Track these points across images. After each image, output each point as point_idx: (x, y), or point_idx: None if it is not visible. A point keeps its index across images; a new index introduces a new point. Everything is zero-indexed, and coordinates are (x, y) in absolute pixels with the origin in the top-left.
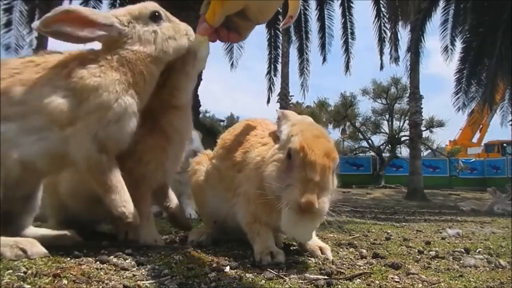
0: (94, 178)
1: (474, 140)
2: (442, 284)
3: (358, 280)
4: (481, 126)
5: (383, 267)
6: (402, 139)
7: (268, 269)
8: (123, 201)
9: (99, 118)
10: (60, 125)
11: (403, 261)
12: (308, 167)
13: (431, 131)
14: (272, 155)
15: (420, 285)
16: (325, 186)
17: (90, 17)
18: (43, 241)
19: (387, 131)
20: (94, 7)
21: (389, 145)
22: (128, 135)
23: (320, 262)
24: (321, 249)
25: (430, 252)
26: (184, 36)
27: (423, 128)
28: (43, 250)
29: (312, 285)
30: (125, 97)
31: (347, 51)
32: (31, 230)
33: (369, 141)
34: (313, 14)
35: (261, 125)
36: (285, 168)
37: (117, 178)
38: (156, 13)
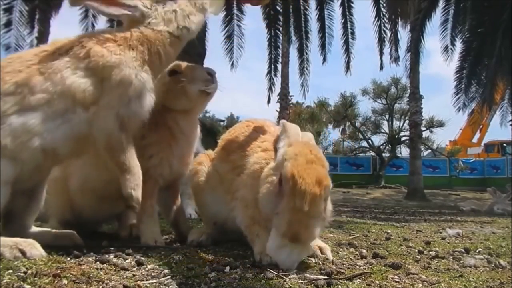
0: (113, 157)
1: (474, 140)
2: (442, 284)
3: (358, 280)
4: (481, 126)
5: (383, 267)
6: (402, 139)
7: (268, 269)
8: (135, 184)
9: (121, 95)
10: (83, 105)
11: (403, 261)
12: (297, 196)
13: (431, 131)
14: (266, 176)
15: (420, 285)
16: (315, 215)
17: None
18: (44, 241)
19: (387, 131)
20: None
21: (389, 145)
22: (147, 111)
23: (320, 262)
24: (321, 249)
25: (430, 252)
26: (203, 10)
27: (423, 128)
28: (42, 252)
29: (312, 285)
30: (142, 73)
31: (347, 51)
32: (33, 230)
33: (369, 141)
34: (313, 14)
35: (262, 127)
36: (277, 193)
37: (135, 161)
38: None
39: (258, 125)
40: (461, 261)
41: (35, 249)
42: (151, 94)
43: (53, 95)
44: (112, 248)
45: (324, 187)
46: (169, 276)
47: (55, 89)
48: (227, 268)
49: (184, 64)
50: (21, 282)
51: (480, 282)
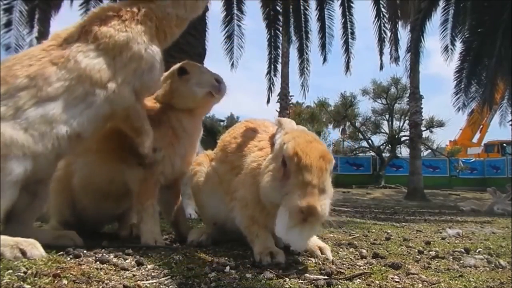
0: (131, 124)
1: (474, 140)
2: (442, 284)
3: (358, 280)
4: (481, 126)
5: (383, 267)
6: (402, 139)
7: (268, 269)
8: (149, 146)
9: (134, 70)
10: (101, 85)
11: (403, 261)
12: (304, 170)
13: (431, 131)
14: (266, 166)
15: (420, 285)
16: (324, 188)
17: None
18: (45, 241)
19: (387, 131)
20: (94, 7)
21: (389, 145)
22: (158, 82)
23: (320, 262)
24: (321, 249)
25: (430, 252)
26: None
27: (423, 128)
28: (42, 252)
29: (312, 285)
30: (152, 46)
31: (347, 51)
32: (34, 229)
33: (369, 141)
34: (313, 14)
35: (260, 127)
36: (281, 176)
37: (148, 124)
38: None
39: (257, 125)
40: (461, 261)
41: (36, 250)
42: (160, 65)
43: (71, 81)
44: (112, 248)
45: (328, 160)
46: (169, 276)
47: (71, 76)
48: (227, 268)
49: (194, 64)
50: (21, 282)
51: (480, 282)
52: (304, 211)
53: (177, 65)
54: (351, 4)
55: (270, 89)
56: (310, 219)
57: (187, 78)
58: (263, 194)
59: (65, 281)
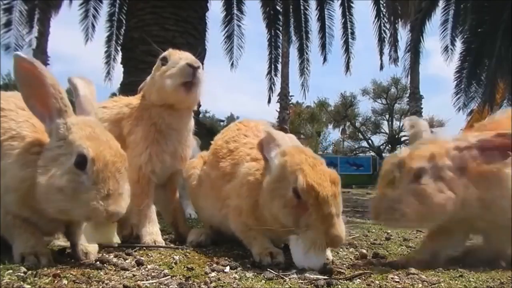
0: None
1: None
2: (442, 284)
3: (358, 280)
4: None
5: (383, 267)
6: (402, 139)
7: (268, 269)
8: None
9: None
10: None
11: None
12: (323, 203)
13: (431, 131)
14: (272, 189)
15: (420, 285)
16: (339, 211)
17: None
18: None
19: (387, 131)
20: (94, 8)
21: (389, 145)
22: None
23: None
24: None
25: None
26: None
27: None
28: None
29: (312, 285)
30: None
31: (347, 51)
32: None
33: (369, 141)
34: (313, 14)
35: (253, 131)
36: (296, 206)
37: None
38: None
39: (249, 128)
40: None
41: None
42: None
43: None
44: (112, 248)
45: (337, 183)
46: (169, 276)
47: None
48: (227, 268)
49: (174, 53)
50: (21, 282)
51: (480, 282)
52: (330, 244)
53: (162, 54)
54: (351, 4)
55: (270, 89)
56: (333, 246)
57: (164, 69)
58: (273, 216)
59: (65, 281)
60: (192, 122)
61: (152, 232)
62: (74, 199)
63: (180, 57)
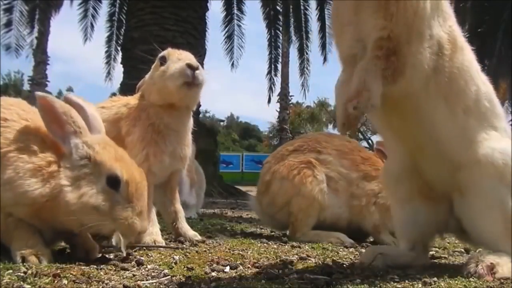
0: None
1: None
2: (442, 284)
3: (358, 280)
4: None
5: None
6: None
7: (268, 269)
8: None
9: None
10: None
11: None
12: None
13: None
14: None
15: (420, 285)
16: None
17: None
18: None
19: None
20: (93, 7)
21: None
22: None
23: (320, 262)
24: None
25: (430, 252)
26: None
27: None
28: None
29: (312, 285)
30: None
31: None
32: None
33: (369, 141)
34: (313, 14)
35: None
36: None
37: None
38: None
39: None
40: (461, 261)
41: None
42: None
43: None
44: (112, 248)
45: None
46: (169, 276)
47: None
48: (227, 268)
49: (173, 52)
50: (21, 282)
51: (480, 282)
52: None
53: (161, 53)
54: None
55: (270, 89)
56: None
57: (163, 69)
58: None
59: (65, 281)
60: (191, 122)
61: (152, 232)
62: (110, 216)
63: (179, 58)
